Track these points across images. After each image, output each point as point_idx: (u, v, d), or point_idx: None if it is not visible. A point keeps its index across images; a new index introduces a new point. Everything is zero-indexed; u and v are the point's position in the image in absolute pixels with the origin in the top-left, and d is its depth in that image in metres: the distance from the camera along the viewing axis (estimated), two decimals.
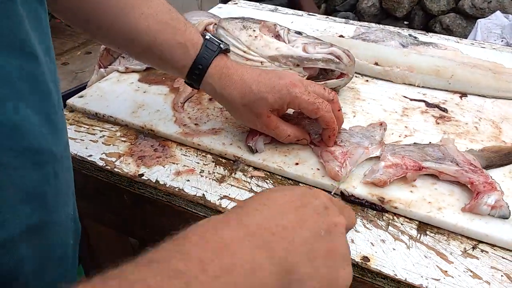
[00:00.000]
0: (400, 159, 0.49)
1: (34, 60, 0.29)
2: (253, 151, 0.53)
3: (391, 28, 0.88)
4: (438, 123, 0.60)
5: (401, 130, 0.58)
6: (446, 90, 0.67)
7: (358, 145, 0.52)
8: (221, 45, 0.50)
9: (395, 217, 0.46)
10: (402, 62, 0.68)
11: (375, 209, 0.47)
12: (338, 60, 0.60)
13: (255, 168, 0.53)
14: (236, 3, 1.01)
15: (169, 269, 0.22)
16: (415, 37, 0.82)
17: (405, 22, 3.26)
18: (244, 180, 0.51)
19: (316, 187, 0.50)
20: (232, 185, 0.50)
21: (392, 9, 3.20)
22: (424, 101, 0.65)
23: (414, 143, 0.54)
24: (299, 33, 0.65)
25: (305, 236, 0.28)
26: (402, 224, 0.46)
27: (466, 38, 2.61)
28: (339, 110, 0.52)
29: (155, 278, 0.21)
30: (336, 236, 0.30)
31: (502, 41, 2.48)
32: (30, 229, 0.30)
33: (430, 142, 0.54)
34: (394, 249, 0.42)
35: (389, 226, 0.45)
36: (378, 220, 0.46)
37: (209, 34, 0.51)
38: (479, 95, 0.66)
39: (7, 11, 0.27)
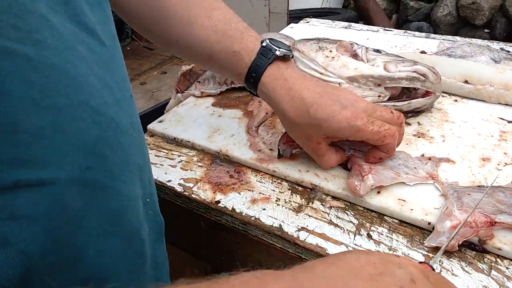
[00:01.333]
0: (468, 214, 0.40)
1: (99, 41, 0.31)
2: (279, 154, 0.54)
3: (479, 41, 0.80)
4: None
5: (500, 157, 0.52)
6: None
7: (391, 168, 0.48)
8: (277, 52, 0.48)
9: (498, 259, 0.41)
10: (497, 80, 0.61)
11: (475, 250, 0.42)
12: (423, 78, 0.56)
13: (334, 198, 0.50)
14: (308, 22, 0.99)
15: None
16: (508, 51, 0.74)
17: (486, 30, 3.03)
18: (322, 211, 0.48)
19: (404, 222, 0.46)
20: (310, 216, 0.48)
21: (470, 17, 2.99)
22: None
23: (478, 186, 0.47)
24: (378, 51, 0.61)
25: None
26: (507, 268, 0.40)
27: None
28: (402, 134, 0.49)
29: None
30: None
31: None
32: (84, 181, 0.27)
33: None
34: None
35: (492, 270, 0.40)
36: (478, 263, 0.41)
37: (268, 41, 0.49)
38: None
39: None
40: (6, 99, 0.22)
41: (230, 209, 0.49)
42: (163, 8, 0.49)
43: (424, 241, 0.43)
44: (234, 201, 0.50)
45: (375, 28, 0.93)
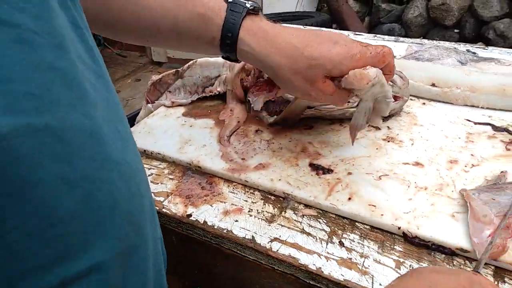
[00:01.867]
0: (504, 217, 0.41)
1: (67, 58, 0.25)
2: (250, 108, 0.54)
3: (447, 43, 0.82)
4: (509, 149, 0.54)
5: (467, 159, 0.53)
6: None
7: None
8: (247, 4, 0.45)
9: (467, 262, 0.41)
10: (463, 82, 0.63)
11: (444, 253, 0.42)
12: (391, 83, 0.56)
13: (306, 206, 0.50)
14: None
15: None
16: (474, 53, 0.76)
17: (456, 31, 3.11)
18: (295, 220, 0.48)
19: (375, 227, 0.46)
20: (282, 226, 0.47)
21: (440, 18, 3.06)
22: (490, 124, 0.59)
23: (492, 182, 0.47)
24: None
25: None
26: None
27: None
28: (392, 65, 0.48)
29: None
30: None
31: None
32: (123, 252, 0.26)
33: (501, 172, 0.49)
34: None
35: None
36: (447, 266, 0.41)
37: None
38: None
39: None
40: (38, 191, 0.20)
41: (202, 222, 0.49)
42: None
43: (395, 246, 0.43)
44: (206, 214, 0.50)
45: (345, 32, 0.94)
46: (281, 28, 0.46)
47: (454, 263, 0.41)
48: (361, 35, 0.92)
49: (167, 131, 0.64)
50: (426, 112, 0.62)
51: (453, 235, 0.42)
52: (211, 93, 0.69)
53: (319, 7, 3.64)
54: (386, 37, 0.89)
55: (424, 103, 0.65)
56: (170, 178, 0.56)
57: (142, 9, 0.45)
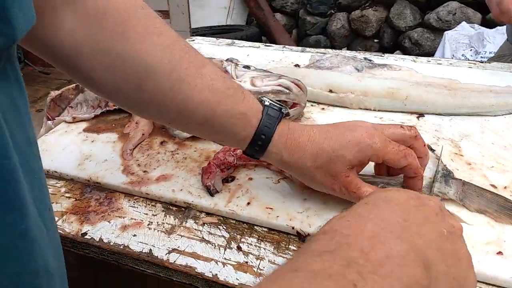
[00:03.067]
0: None
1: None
2: (212, 192, 0.51)
3: (347, 53, 0.88)
4: None
5: None
6: (403, 112, 0.66)
7: None
8: (282, 110, 0.45)
9: None
10: (356, 87, 0.67)
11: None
12: (287, 91, 0.59)
13: (208, 214, 0.50)
14: (193, 40, 1.00)
15: (341, 258, 0.24)
16: (370, 60, 0.82)
17: (375, 40, 3.34)
18: (195, 229, 0.48)
19: (272, 229, 0.47)
20: (182, 236, 0.47)
21: (361, 29, 3.27)
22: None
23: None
24: (247, 67, 0.64)
25: (432, 233, 0.28)
26: None
27: (435, 50, 2.68)
28: (424, 146, 0.47)
29: (333, 267, 0.23)
30: (457, 238, 0.30)
31: (471, 49, 2.54)
32: None
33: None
34: None
35: None
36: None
37: (268, 99, 0.46)
38: (436, 114, 0.65)
39: None
40: None
41: (98, 240, 0.47)
42: (142, 68, 0.41)
43: (290, 246, 0.45)
44: (103, 231, 0.48)
45: (256, 44, 0.97)
46: (305, 127, 0.46)
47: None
48: (271, 46, 0.96)
49: (66, 147, 0.61)
50: (325, 117, 0.66)
51: None
52: (114, 107, 0.67)
53: (248, 21, 3.73)
54: (294, 47, 0.93)
55: (323, 108, 0.69)
56: (67, 197, 0.53)
57: (181, 97, 0.42)
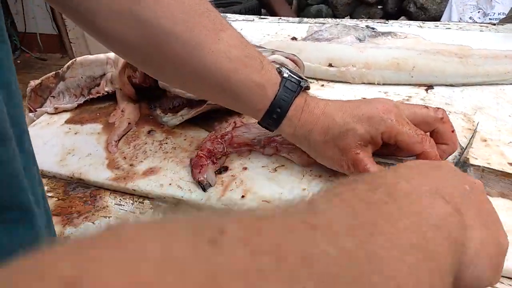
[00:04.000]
0: None
1: None
2: (205, 187, 0.46)
3: (349, 21, 0.81)
4: None
5: None
6: (410, 84, 0.60)
7: None
8: (301, 83, 0.43)
9: None
10: (358, 60, 0.61)
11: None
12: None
13: (200, 210, 0.46)
14: None
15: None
16: (373, 28, 0.75)
17: (379, 7, 3.20)
18: None
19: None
20: None
21: None
22: None
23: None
24: None
25: (456, 189, 0.26)
26: None
27: (442, 14, 2.56)
28: (452, 131, 0.42)
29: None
30: (481, 193, 0.28)
31: (479, 11, 2.42)
32: None
33: None
34: None
35: None
36: None
37: (287, 71, 0.43)
38: (446, 85, 0.60)
39: None
40: None
41: None
42: (161, 31, 0.39)
43: None
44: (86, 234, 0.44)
45: (250, 17, 0.90)
46: (321, 100, 0.44)
47: None
48: (266, 18, 0.89)
49: (48, 142, 0.57)
50: (325, 94, 0.61)
51: None
52: (98, 94, 0.62)
53: None
54: (291, 19, 0.86)
55: (323, 85, 0.63)
56: (50, 196, 0.50)
57: (196, 62, 0.41)
